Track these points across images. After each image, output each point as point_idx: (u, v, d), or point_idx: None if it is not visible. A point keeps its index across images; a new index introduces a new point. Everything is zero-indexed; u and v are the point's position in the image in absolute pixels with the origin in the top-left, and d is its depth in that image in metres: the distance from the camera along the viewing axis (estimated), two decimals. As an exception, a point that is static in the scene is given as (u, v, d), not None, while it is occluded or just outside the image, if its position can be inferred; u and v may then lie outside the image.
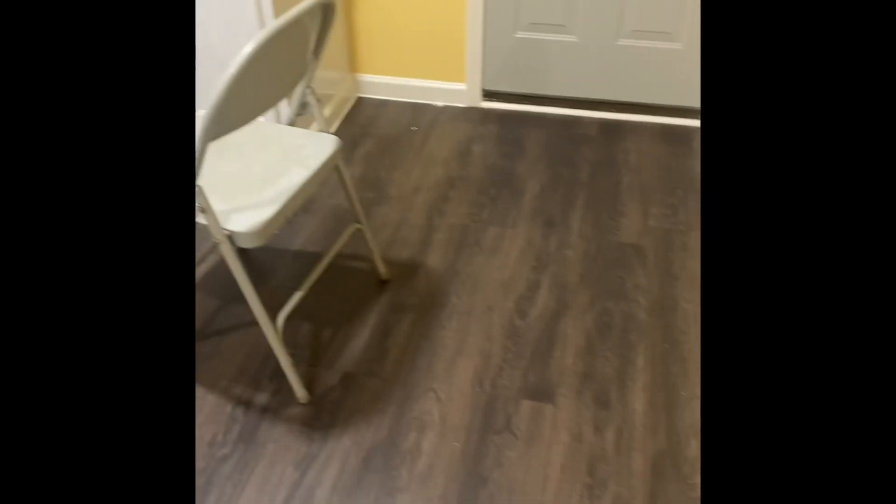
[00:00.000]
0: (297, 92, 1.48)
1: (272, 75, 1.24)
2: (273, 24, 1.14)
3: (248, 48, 1.08)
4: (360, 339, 1.59)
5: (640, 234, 1.90)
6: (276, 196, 1.32)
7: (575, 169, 2.17)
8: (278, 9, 1.90)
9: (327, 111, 2.33)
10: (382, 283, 1.74)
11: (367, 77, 2.55)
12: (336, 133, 2.36)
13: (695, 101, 2.38)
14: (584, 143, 2.31)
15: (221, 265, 1.80)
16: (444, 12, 2.35)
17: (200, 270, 1.78)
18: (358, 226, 1.68)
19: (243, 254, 1.84)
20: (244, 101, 1.18)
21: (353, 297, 1.70)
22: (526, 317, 1.64)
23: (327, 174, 1.48)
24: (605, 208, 2.00)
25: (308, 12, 1.25)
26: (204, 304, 1.68)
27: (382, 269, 1.74)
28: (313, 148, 1.47)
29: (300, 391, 1.44)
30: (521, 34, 2.36)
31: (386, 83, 2.55)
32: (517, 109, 2.49)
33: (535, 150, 2.26)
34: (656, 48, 2.30)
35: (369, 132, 2.37)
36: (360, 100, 2.57)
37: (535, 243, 1.87)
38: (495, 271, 1.78)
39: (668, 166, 2.18)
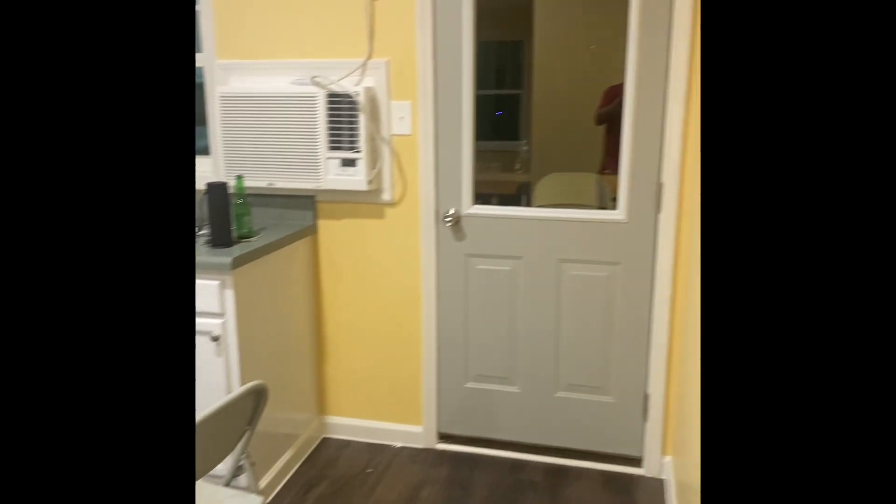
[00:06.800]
0: (234, 457, 1.67)
1: (199, 451, 1.43)
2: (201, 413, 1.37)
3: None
4: None
5: None
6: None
7: (516, 518, 2.23)
8: (245, 376, 2.19)
9: (289, 453, 2.49)
10: None
11: (333, 419, 2.77)
12: (295, 475, 2.50)
13: (631, 450, 2.51)
14: (528, 489, 2.40)
15: None
16: (403, 363, 2.65)
17: None
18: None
19: None
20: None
21: None
22: None
23: (250, 536, 1.59)
24: (540, 564, 2.02)
25: (239, 398, 1.50)
26: None
27: None
28: (239, 510, 1.60)
29: None
30: (470, 384, 2.62)
31: (349, 424, 2.75)
32: (469, 452, 2.64)
33: (481, 495, 2.35)
34: (591, 401, 2.52)
35: (326, 474, 2.50)
36: (324, 440, 2.75)
37: None
38: None
39: (608, 517, 2.24)
